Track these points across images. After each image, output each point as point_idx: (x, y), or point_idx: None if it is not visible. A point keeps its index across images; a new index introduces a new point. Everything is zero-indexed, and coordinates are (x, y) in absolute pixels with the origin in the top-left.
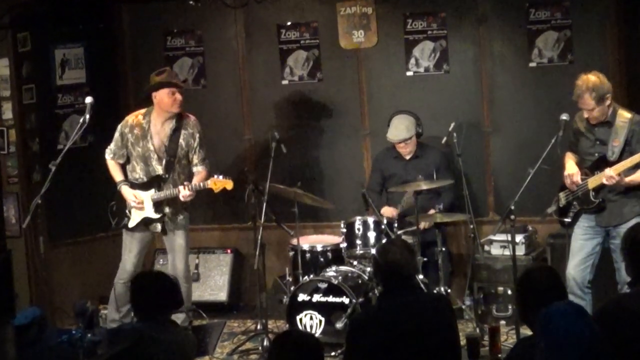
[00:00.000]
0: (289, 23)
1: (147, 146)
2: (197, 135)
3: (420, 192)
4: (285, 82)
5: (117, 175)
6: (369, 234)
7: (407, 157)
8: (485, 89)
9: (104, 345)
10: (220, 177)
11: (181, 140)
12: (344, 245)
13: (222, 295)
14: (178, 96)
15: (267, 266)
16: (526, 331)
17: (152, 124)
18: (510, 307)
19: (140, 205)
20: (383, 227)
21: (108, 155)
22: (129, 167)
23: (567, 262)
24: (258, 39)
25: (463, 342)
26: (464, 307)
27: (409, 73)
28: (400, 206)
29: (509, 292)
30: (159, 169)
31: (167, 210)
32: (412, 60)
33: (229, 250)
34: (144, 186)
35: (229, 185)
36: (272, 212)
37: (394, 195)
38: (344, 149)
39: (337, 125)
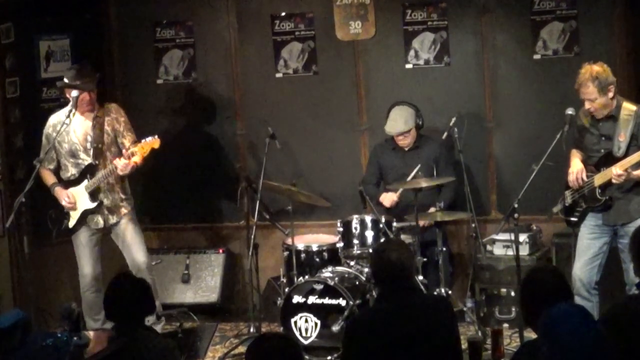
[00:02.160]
0: (283, 13)
1: (72, 140)
2: (122, 120)
3: (420, 190)
4: (279, 75)
5: (49, 180)
6: (366, 233)
7: (406, 148)
8: (487, 82)
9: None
10: (147, 139)
11: (106, 127)
12: (340, 244)
13: (213, 297)
14: (86, 96)
15: (261, 267)
16: (530, 334)
17: (73, 118)
18: (513, 309)
19: (72, 204)
20: (381, 226)
21: (37, 165)
22: (61, 172)
23: (572, 263)
24: (251, 30)
25: (464, 345)
26: (465, 309)
27: (409, 66)
28: (400, 190)
29: (512, 293)
30: (88, 159)
31: (105, 201)
32: (412, 52)
33: (220, 250)
34: (77, 181)
35: (156, 143)
36: (265, 210)
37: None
38: (340, 145)
39: (333, 120)
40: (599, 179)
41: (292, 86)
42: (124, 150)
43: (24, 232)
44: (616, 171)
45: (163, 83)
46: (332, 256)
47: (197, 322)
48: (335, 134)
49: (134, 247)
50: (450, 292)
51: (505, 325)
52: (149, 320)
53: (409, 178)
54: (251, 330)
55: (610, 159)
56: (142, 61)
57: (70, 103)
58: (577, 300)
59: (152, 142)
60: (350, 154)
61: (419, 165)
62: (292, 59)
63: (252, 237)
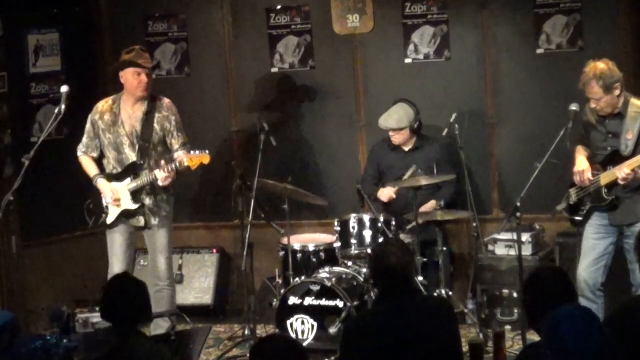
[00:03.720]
0: (279, 7)
1: (119, 132)
2: (173, 119)
3: (420, 188)
4: (275, 70)
5: (91, 169)
6: (364, 233)
7: (406, 149)
8: (489, 77)
9: (80, 352)
10: (197, 152)
11: (155, 124)
12: (338, 244)
13: (207, 299)
14: (143, 78)
15: (256, 267)
16: (533, 337)
17: (122, 109)
18: (516, 311)
19: (117, 201)
20: (380, 225)
21: (80, 151)
22: (104, 161)
23: (577, 263)
24: (246, 24)
25: (465, 348)
26: (466, 311)
27: (408, 60)
28: (397, 185)
29: (515, 295)
30: (133, 156)
31: (147, 201)
32: (411, 47)
33: (214, 250)
34: (119, 177)
35: (206, 159)
36: (261, 209)
37: None
38: (338, 142)
39: (330, 116)
40: (605, 178)
41: (288, 81)
42: (166, 163)
43: (12, 232)
44: (623, 172)
45: (155, 78)
46: (330, 256)
47: (191, 325)
48: (333, 130)
49: (161, 256)
50: (450, 293)
51: (508, 327)
52: (162, 326)
53: (405, 177)
54: (246, 332)
55: (617, 158)
56: None
57: (62, 99)
58: (582, 302)
59: (202, 157)
60: (348, 151)
61: (414, 167)
62: (288, 53)
63: (247, 236)
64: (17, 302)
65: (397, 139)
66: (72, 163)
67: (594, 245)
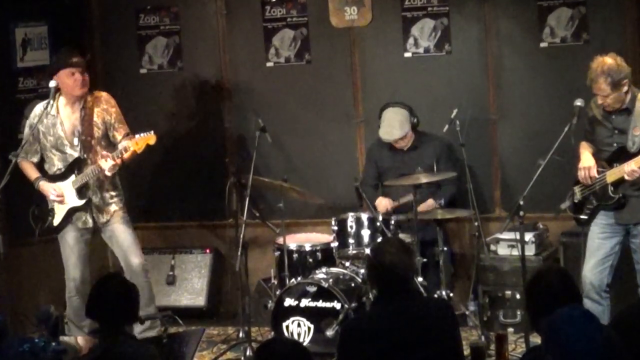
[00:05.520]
0: None
1: (58, 133)
2: (113, 110)
3: (419, 186)
4: (270, 64)
5: (32, 174)
6: (362, 232)
7: (405, 148)
8: (491, 71)
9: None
10: (141, 134)
11: (95, 119)
12: (335, 244)
13: (200, 300)
14: (78, 76)
15: (250, 268)
16: (536, 339)
17: (61, 109)
18: (518, 312)
19: (61, 197)
20: (378, 224)
21: (20, 157)
22: (46, 165)
23: (582, 264)
24: (240, 17)
25: (467, 351)
26: (467, 312)
27: (407, 54)
28: (396, 202)
29: (518, 296)
30: (75, 154)
31: (94, 199)
32: (411, 40)
33: (207, 250)
34: (63, 176)
35: (152, 139)
36: (255, 207)
37: (391, 189)
38: (335, 138)
39: (327, 111)
40: (611, 176)
41: (283, 76)
42: (112, 149)
43: None
44: (630, 168)
45: (147, 72)
46: (326, 256)
47: (183, 327)
48: (330, 126)
49: (127, 249)
50: (451, 294)
51: (510, 329)
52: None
53: (402, 201)
54: (240, 335)
55: (623, 154)
56: (124, 49)
57: (50, 94)
58: (587, 303)
59: (147, 137)
60: (345, 147)
61: (410, 195)
62: (283, 47)
63: (241, 236)
64: (4, 304)
65: (403, 144)
66: None
67: (600, 245)
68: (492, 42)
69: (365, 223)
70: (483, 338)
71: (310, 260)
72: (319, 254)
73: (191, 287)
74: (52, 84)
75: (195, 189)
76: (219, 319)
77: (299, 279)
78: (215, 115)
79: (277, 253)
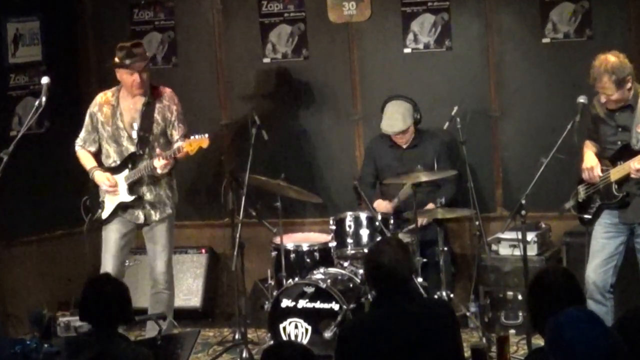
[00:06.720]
0: None
1: (117, 124)
2: (175, 108)
3: (419, 185)
4: (266, 60)
5: (88, 162)
6: (361, 232)
7: (404, 146)
8: (492, 68)
9: (62, 357)
10: (195, 136)
11: (156, 115)
12: (333, 244)
13: (195, 301)
14: (136, 77)
15: (247, 268)
16: (538, 341)
17: (121, 100)
18: (520, 314)
19: (114, 188)
20: (377, 223)
21: (78, 145)
22: (102, 155)
23: (585, 264)
24: (236, 12)
25: (467, 353)
26: (468, 314)
27: (407, 50)
28: (395, 200)
29: (519, 297)
30: (132, 148)
31: (147, 196)
32: (410, 36)
33: (203, 250)
34: (117, 169)
35: (205, 143)
36: (252, 206)
37: (389, 188)
38: (333, 136)
39: (325, 108)
40: (615, 174)
41: (280, 72)
42: (166, 149)
43: None
44: (635, 165)
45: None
46: (324, 256)
47: (178, 328)
48: (328, 123)
49: (160, 256)
50: (452, 295)
51: (512, 331)
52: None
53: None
54: (236, 337)
55: (627, 152)
56: (117, 45)
57: (43, 91)
58: (591, 304)
59: (201, 140)
60: (343, 145)
61: (419, 166)
62: (280, 42)
63: (238, 235)
64: None
65: (403, 138)
66: (53, 158)
67: (604, 244)
68: (493, 38)
69: (364, 222)
70: (484, 340)
71: (308, 260)
72: (316, 254)
73: (186, 287)
74: (44, 80)
75: (191, 187)
76: (214, 320)
77: (296, 279)
78: (211, 112)
79: (274, 253)
